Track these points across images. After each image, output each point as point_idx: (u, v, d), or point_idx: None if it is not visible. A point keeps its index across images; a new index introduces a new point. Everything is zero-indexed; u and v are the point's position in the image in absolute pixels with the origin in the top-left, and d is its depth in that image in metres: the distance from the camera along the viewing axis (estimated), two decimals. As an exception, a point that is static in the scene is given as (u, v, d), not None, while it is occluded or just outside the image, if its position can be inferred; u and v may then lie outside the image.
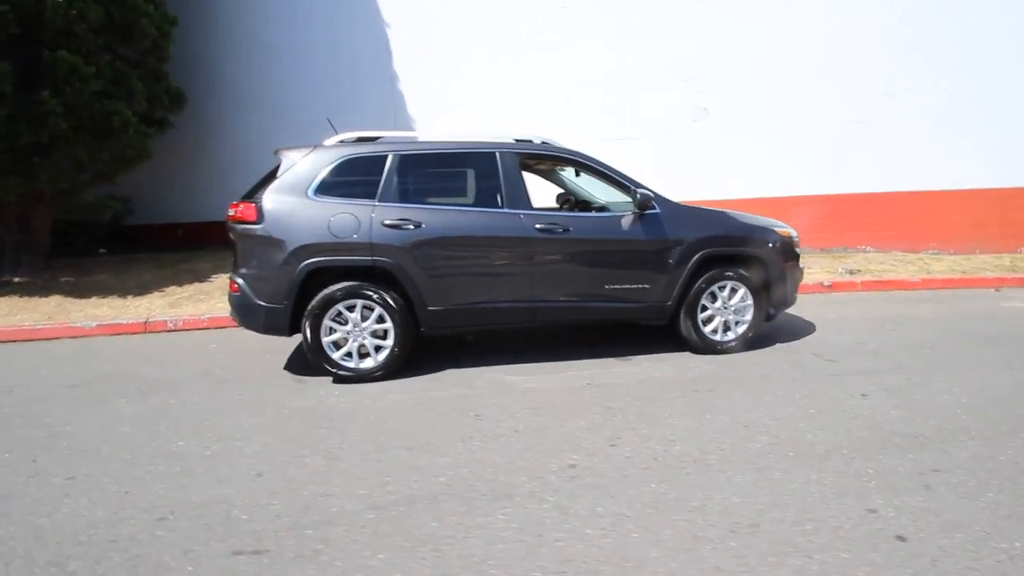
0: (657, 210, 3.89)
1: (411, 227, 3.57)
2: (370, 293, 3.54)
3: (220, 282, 6.69)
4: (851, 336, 4.54)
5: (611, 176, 3.97)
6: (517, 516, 2.14)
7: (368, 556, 1.91)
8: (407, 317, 3.62)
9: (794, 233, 4.32)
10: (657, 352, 4.13)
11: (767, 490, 2.28)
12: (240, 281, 3.58)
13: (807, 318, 5.02)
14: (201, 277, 6.99)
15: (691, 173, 8.25)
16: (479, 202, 3.86)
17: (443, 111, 9.09)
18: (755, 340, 4.19)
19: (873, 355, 4.04)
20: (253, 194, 3.69)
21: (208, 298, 6.05)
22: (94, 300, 6.06)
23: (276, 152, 3.80)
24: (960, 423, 2.88)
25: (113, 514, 2.20)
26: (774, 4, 8.15)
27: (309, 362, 3.67)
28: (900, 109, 7.94)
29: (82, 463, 2.63)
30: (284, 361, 4.15)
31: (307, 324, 3.53)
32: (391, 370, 3.66)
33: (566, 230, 3.76)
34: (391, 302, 3.58)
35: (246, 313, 3.64)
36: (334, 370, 3.60)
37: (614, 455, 2.61)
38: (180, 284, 6.63)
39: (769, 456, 2.58)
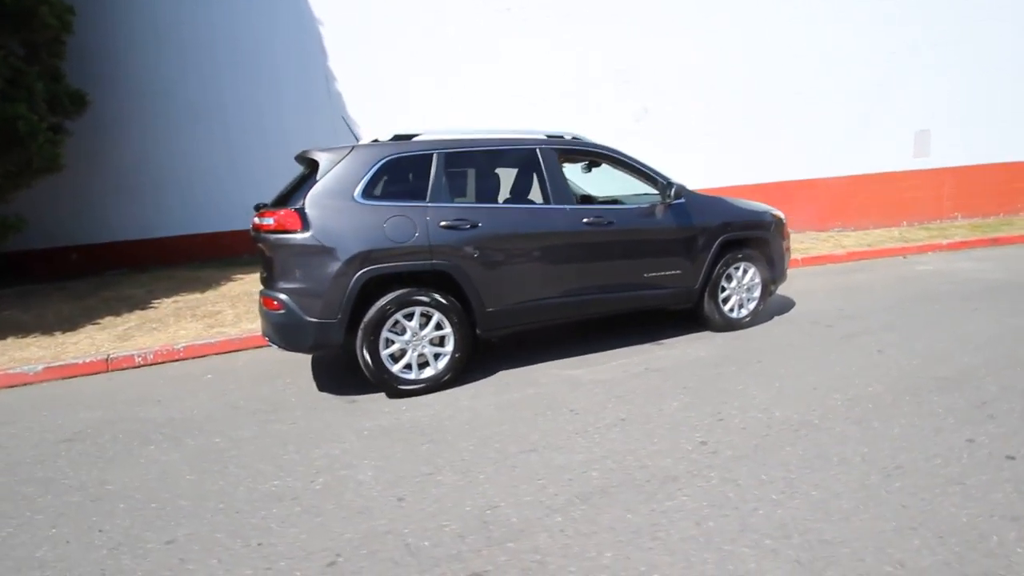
0: (683, 200, 4.13)
1: (468, 227, 3.44)
2: (430, 298, 3.37)
3: (169, 307, 5.89)
4: (828, 304, 5.15)
5: (639, 169, 4.13)
6: (698, 494, 2.19)
7: (594, 556, 1.86)
8: (465, 321, 3.49)
9: (783, 215, 4.80)
10: (681, 335, 4.38)
11: (880, 438, 2.56)
12: (283, 297, 3.21)
13: (779, 292, 5.60)
14: (139, 304, 6.07)
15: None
16: (527, 199, 3.83)
17: (388, 115, 8.76)
18: (760, 315, 4.62)
19: (857, 318, 4.62)
20: (285, 201, 3.33)
21: (163, 326, 5.28)
22: (11, 341, 5.02)
23: (305, 154, 3.46)
24: (970, 363, 3.43)
25: (266, 570, 1.90)
26: (702, 16, 8.91)
27: (338, 379, 3.42)
28: (805, 109, 9.10)
29: (168, 523, 2.22)
30: (308, 383, 3.79)
31: (364, 337, 3.26)
32: (453, 377, 3.50)
33: (610, 223, 3.86)
34: (449, 306, 3.42)
35: (292, 332, 3.27)
36: (397, 385, 3.37)
37: (730, 428, 2.76)
38: (117, 314, 5.71)
39: (856, 410, 2.88)
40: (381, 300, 3.27)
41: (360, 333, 3.27)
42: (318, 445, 2.84)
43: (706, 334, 4.39)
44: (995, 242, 7.74)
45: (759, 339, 4.22)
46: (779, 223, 4.65)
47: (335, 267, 3.18)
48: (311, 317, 3.20)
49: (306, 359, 4.33)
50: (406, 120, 8.12)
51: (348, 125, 4.04)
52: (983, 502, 2.02)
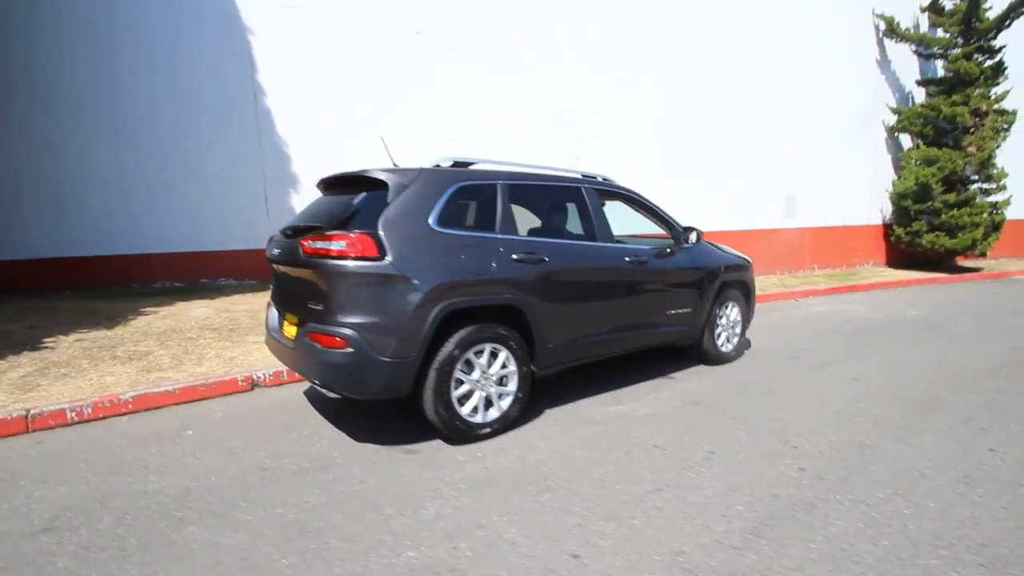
0: (691, 244, 4.47)
1: (536, 261, 3.34)
2: (500, 334, 3.17)
3: (73, 347, 4.69)
4: (773, 340, 5.86)
5: (657, 212, 4.40)
6: (847, 516, 2.34)
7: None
8: (526, 358, 3.34)
9: (751, 260, 5.44)
10: (681, 369, 4.66)
11: (930, 452, 2.99)
12: (349, 333, 2.77)
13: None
14: (25, 343, 4.72)
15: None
16: (578, 235, 3.83)
17: (320, 136, 8.17)
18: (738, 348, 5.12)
19: (809, 351, 5.34)
20: (346, 223, 2.92)
21: (77, 371, 4.17)
22: None
23: (365, 174, 3.11)
24: (930, 386, 4.16)
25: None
26: (636, 70, 9.87)
27: (367, 426, 3.08)
28: (708, 167, 10.47)
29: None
30: (332, 433, 3.28)
31: (437, 378, 2.95)
32: (515, 419, 3.30)
33: (644, 262, 4.02)
34: (516, 343, 3.26)
35: (359, 373, 2.81)
36: (471, 431, 3.08)
37: (810, 454, 2.99)
38: (1, 357, 4.37)
39: (887, 430, 3.32)
40: (455, 336, 3.00)
41: (433, 373, 2.95)
42: (421, 504, 2.46)
43: (701, 368, 4.72)
44: (854, 288, 9.53)
45: (752, 371, 4.65)
46: (751, 266, 5.25)
47: (415, 299, 2.85)
48: (384, 356, 2.81)
49: (298, 405, 3.76)
50: (354, 145, 7.67)
51: (386, 147, 3.70)
52: (1049, 500, 2.47)
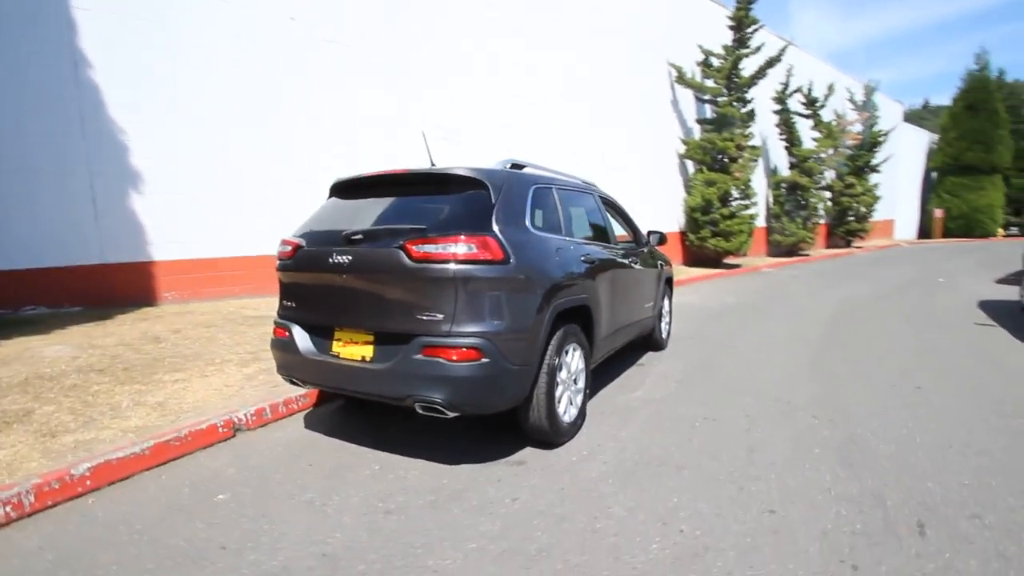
0: (651, 245, 5.10)
1: (593, 262, 3.49)
2: (579, 333, 3.24)
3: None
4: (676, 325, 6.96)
5: (626, 216, 4.89)
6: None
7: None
8: (589, 355, 3.47)
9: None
10: (642, 354, 5.28)
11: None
12: (483, 343, 2.53)
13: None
14: None
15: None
16: (599, 237, 4.02)
17: (169, 124, 6.68)
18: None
19: (705, 333, 6.50)
20: (453, 225, 2.65)
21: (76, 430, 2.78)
22: None
23: (458, 172, 2.84)
24: (796, 339, 5.52)
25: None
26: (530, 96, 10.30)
27: (429, 446, 2.95)
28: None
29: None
30: (404, 463, 2.93)
31: (545, 381, 2.89)
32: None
33: (635, 262, 4.47)
34: (584, 341, 3.37)
35: (492, 385, 2.59)
36: (564, 434, 3.07)
37: (772, 374, 3.80)
38: None
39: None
40: (555, 338, 2.98)
41: (544, 377, 2.88)
42: (602, 506, 2.44)
43: (650, 354, 5.39)
44: (678, 283, 11.64)
45: (683, 353, 5.47)
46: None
47: (536, 302, 2.76)
48: (515, 364, 2.65)
49: (321, 442, 3.23)
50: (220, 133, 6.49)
51: (426, 143, 3.34)
52: None
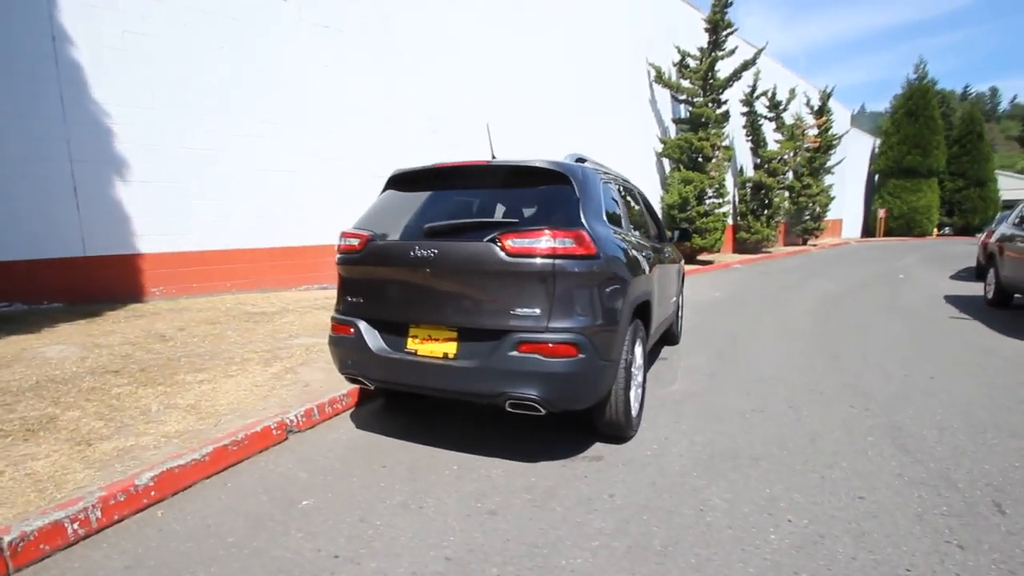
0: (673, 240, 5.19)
1: (648, 256, 3.51)
2: (643, 327, 3.26)
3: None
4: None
5: (654, 212, 4.95)
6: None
7: None
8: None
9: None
10: (658, 350, 5.38)
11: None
12: (580, 338, 2.50)
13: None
14: None
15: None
16: (645, 231, 4.04)
17: (167, 106, 6.26)
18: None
19: (710, 325, 6.69)
20: (542, 219, 2.60)
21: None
22: None
23: (538, 166, 2.78)
24: (785, 328, 5.78)
25: None
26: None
27: (503, 446, 2.94)
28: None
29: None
30: (484, 462, 2.88)
31: (624, 376, 2.89)
32: (640, 411, 3.44)
33: (668, 256, 4.53)
34: (645, 335, 3.40)
35: (586, 381, 2.57)
36: (634, 428, 3.08)
37: (760, 345, 3.97)
38: None
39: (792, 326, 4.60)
40: (630, 332, 2.98)
41: (623, 372, 2.88)
42: (701, 498, 2.47)
43: (671, 347, 5.50)
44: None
45: (694, 346, 5.64)
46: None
47: (622, 297, 2.77)
48: (605, 359, 2.64)
49: (382, 444, 3.13)
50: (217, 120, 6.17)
51: (489, 135, 3.23)
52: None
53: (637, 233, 3.73)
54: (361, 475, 2.72)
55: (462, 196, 2.96)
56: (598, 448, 3.04)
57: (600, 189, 3.05)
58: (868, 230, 33.62)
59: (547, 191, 2.81)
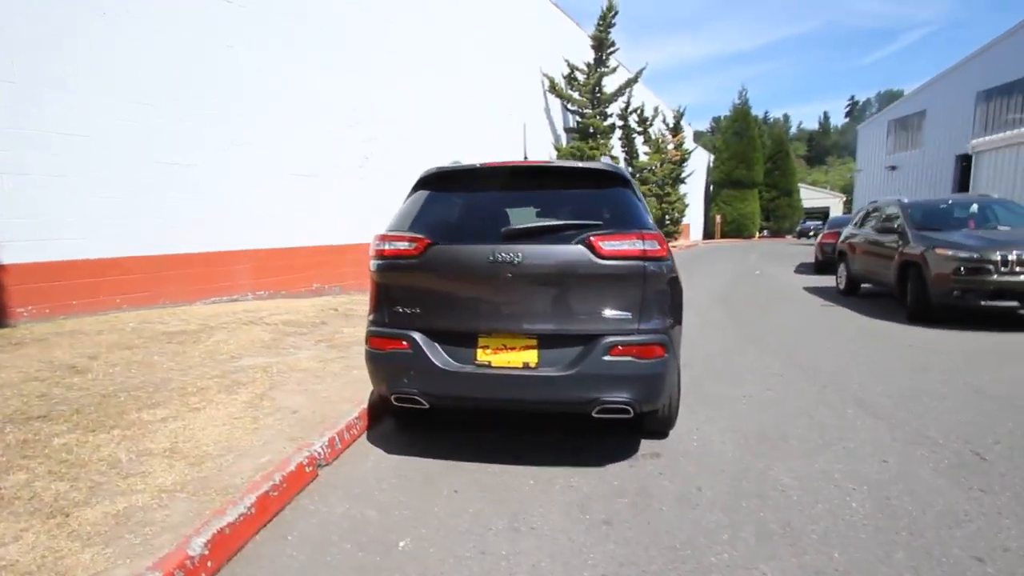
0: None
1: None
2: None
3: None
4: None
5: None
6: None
7: None
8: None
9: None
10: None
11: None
12: (665, 339, 2.58)
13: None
14: None
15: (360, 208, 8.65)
16: None
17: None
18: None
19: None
20: (618, 223, 2.59)
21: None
22: None
23: (597, 166, 2.72)
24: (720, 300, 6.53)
25: None
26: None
27: (549, 456, 3.01)
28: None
29: None
30: (540, 473, 2.82)
31: (678, 373, 3.00)
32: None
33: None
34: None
35: (666, 381, 2.67)
36: (671, 427, 3.21)
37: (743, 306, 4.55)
38: None
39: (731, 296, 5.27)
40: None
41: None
42: (775, 484, 2.66)
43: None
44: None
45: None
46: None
47: (680, 296, 2.84)
48: (676, 357, 2.71)
49: (415, 467, 2.90)
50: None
51: (524, 135, 3.06)
52: (889, 369, 4.76)
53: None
54: (441, 505, 2.46)
55: (519, 197, 2.82)
56: (648, 445, 3.11)
57: (639, 190, 3.13)
58: (708, 233, 38.71)
59: (608, 193, 2.81)
